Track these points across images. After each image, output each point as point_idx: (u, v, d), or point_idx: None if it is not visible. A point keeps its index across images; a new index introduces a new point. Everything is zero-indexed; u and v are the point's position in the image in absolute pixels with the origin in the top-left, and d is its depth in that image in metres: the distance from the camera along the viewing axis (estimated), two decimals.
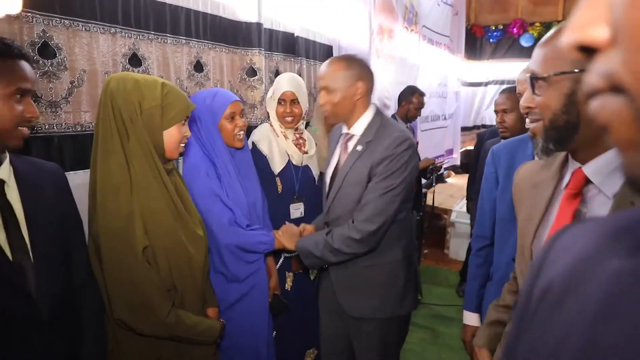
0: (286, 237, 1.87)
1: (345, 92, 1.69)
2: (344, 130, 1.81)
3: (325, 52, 3.17)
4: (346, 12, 3.32)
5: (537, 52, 0.90)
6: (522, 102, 0.94)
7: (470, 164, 3.89)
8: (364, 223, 1.65)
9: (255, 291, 1.82)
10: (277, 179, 2.08)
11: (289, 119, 2.13)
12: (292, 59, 2.81)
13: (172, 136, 1.38)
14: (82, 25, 1.64)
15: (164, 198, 1.36)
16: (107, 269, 1.27)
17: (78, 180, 1.59)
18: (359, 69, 1.72)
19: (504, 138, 2.43)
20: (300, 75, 2.90)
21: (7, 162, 1.14)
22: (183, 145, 1.44)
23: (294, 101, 2.13)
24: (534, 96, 0.90)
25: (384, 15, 3.96)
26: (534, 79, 0.88)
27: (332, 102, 1.70)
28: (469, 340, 1.70)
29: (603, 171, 0.88)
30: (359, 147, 1.71)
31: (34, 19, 1.49)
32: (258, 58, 2.40)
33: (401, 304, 1.84)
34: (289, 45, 2.76)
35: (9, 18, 1.43)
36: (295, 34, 2.82)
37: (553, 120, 0.88)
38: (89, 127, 1.70)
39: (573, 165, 0.95)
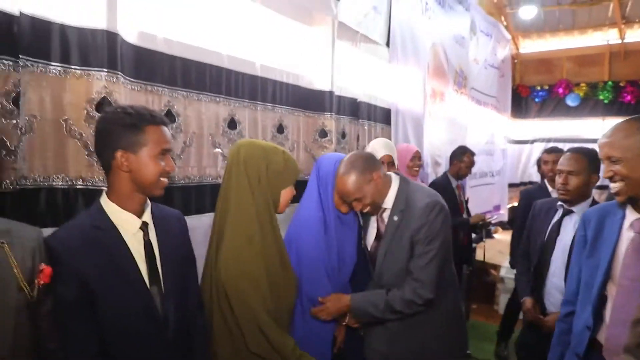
0: (334, 307, 1.90)
1: (371, 193, 1.81)
2: None
3: (384, 114, 3.46)
4: (403, 78, 3.63)
5: None
6: None
7: (516, 221, 3.97)
8: (424, 291, 1.79)
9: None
10: None
11: None
12: (356, 121, 3.10)
13: (286, 195, 1.65)
14: (196, 95, 1.98)
15: (276, 247, 1.62)
16: (238, 309, 1.52)
17: None
18: (365, 164, 1.81)
19: (564, 202, 2.27)
20: (359, 135, 3.19)
21: (149, 208, 1.40)
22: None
23: (391, 163, 2.41)
24: None
25: (436, 80, 4.26)
26: None
27: (366, 204, 1.83)
28: None
29: None
30: (395, 218, 1.86)
31: (162, 91, 1.84)
32: (329, 121, 2.70)
33: (452, 353, 1.95)
34: (353, 109, 3.07)
35: (145, 90, 1.78)
36: (358, 100, 3.13)
37: None
38: (194, 180, 2.00)
39: None
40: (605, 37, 6.89)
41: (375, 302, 1.85)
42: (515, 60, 7.58)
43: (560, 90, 7.18)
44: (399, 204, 1.86)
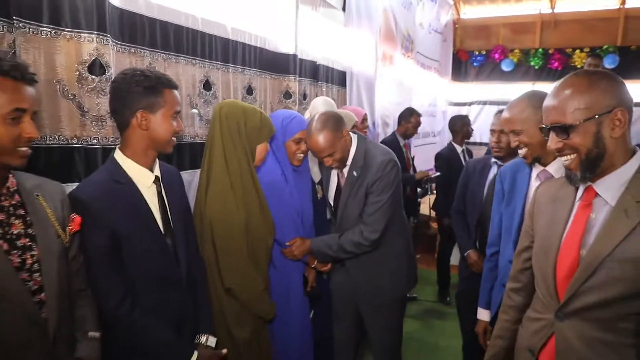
0: (298, 250, 2.14)
1: (341, 148, 2.03)
2: None
3: (340, 77, 3.65)
4: (357, 41, 3.81)
5: (555, 106, 1.19)
6: (552, 144, 1.21)
7: (439, 182, 4.24)
8: (370, 233, 2.07)
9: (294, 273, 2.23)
10: (318, 186, 2.46)
11: None
12: (315, 84, 3.27)
13: (261, 150, 1.84)
14: (174, 57, 2.07)
15: (257, 194, 1.82)
16: (221, 239, 1.73)
17: None
18: (336, 123, 2.01)
19: (498, 158, 2.46)
20: (316, 96, 3.37)
21: (157, 164, 1.53)
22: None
23: None
24: (562, 140, 1.18)
25: (386, 44, 4.47)
26: (563, 128, 1.16)
27: (337, 159, 2.05)
28: (481, 333, 2.01)
29: (609, 186, 1.18)
30: (355, 173, 2.10)
31: (144, 53, 1.92)
32: (293, 83, 2.86)
33: (404, 286, 2.29)
34: (314, 72, 3.23)
35: (128, 52, 1.85)
36: (317, 62, 3.29)
37: (588, 154, 1.16)
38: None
39: (585, 183, 1.23)
40: (538, 6, 7.35)
41: (330, 244, 2.12)
42: (456, 25, 7.92)
43: (497, 56, 7.62)
44: (358, 160, 2.10)
